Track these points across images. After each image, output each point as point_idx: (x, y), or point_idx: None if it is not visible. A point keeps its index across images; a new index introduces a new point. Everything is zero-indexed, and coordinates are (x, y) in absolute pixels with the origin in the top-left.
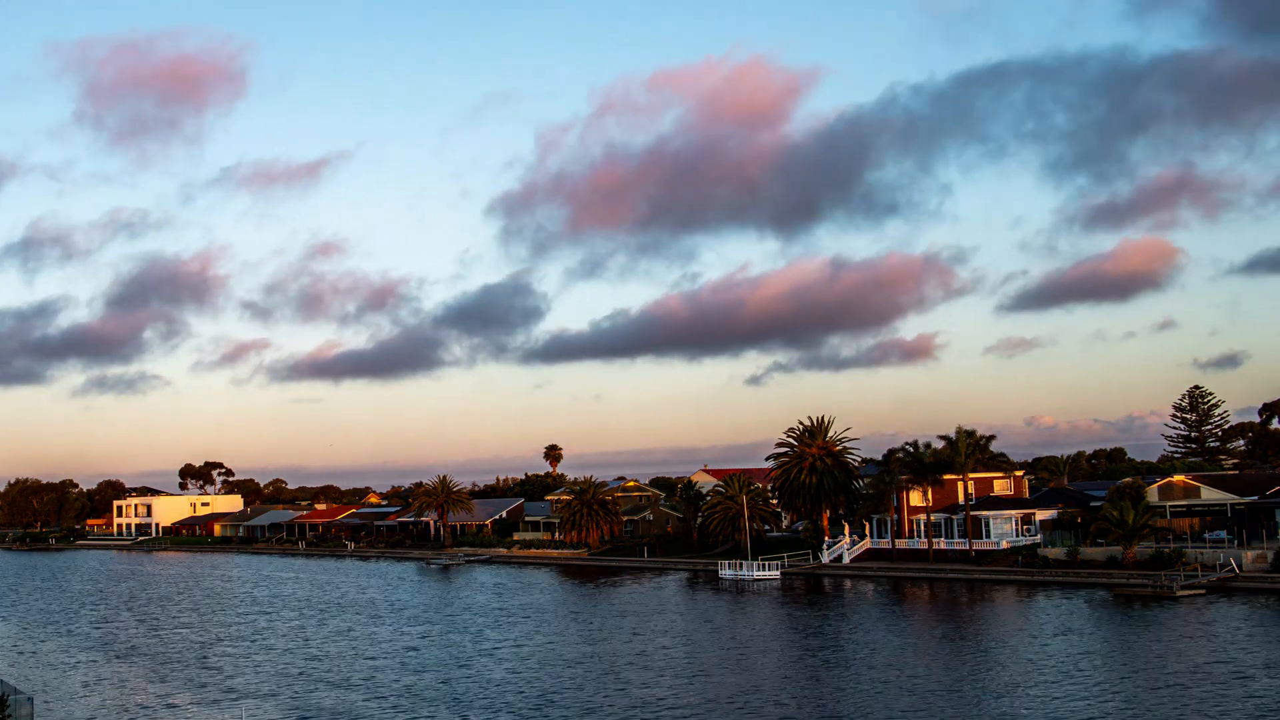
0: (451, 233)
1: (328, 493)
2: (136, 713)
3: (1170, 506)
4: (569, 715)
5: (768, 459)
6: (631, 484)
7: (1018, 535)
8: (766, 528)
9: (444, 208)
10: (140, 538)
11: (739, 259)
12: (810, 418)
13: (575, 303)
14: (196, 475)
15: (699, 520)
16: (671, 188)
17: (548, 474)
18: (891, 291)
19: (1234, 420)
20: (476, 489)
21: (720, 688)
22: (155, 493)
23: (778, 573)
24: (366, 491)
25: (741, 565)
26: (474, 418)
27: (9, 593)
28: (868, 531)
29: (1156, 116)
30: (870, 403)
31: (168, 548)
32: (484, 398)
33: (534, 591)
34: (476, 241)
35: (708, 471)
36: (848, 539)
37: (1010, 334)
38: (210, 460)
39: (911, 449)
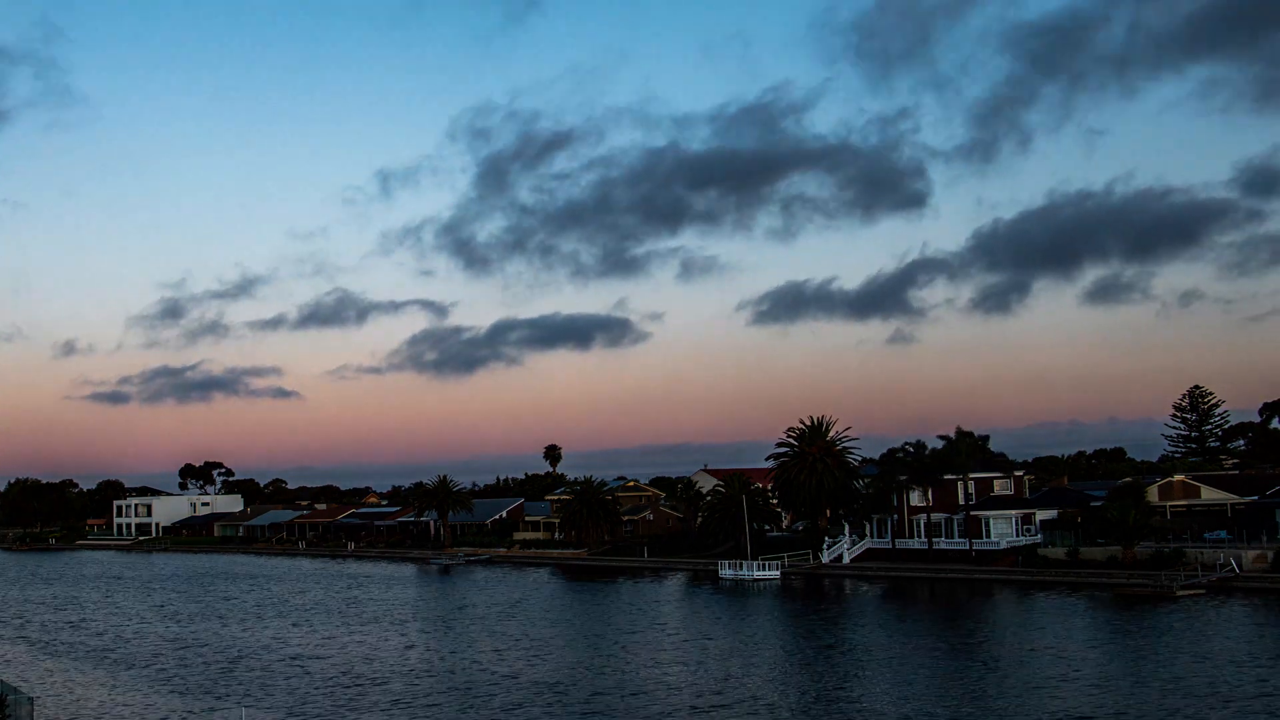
0: None
1: (328, 493)
2: (136, 712)
3: (1170, 506)
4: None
5: (768, 459)
6: (631, 484)
7: (1018, 535)
8: (766, 528)
9: None
10: (140, 538)
11: None
12: (811, 418)
13: None
14: (196, 475)
15: (699, 520)
16: None
17: (548, 474)
18: None
19: (1234, 420)
20: (476, 489)
21: (719, 688)
22: (155, 493)
23: (778, 572)
24: (367, 491)
25: (741, 565)
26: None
27: (10, 594)
28: (868, 531)
29: None
30: None
31: (168, 548)
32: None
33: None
34: None
35: (708, 471)
36: (848, 539)
37: None
38: (210, 460)
39: (911, 449)
